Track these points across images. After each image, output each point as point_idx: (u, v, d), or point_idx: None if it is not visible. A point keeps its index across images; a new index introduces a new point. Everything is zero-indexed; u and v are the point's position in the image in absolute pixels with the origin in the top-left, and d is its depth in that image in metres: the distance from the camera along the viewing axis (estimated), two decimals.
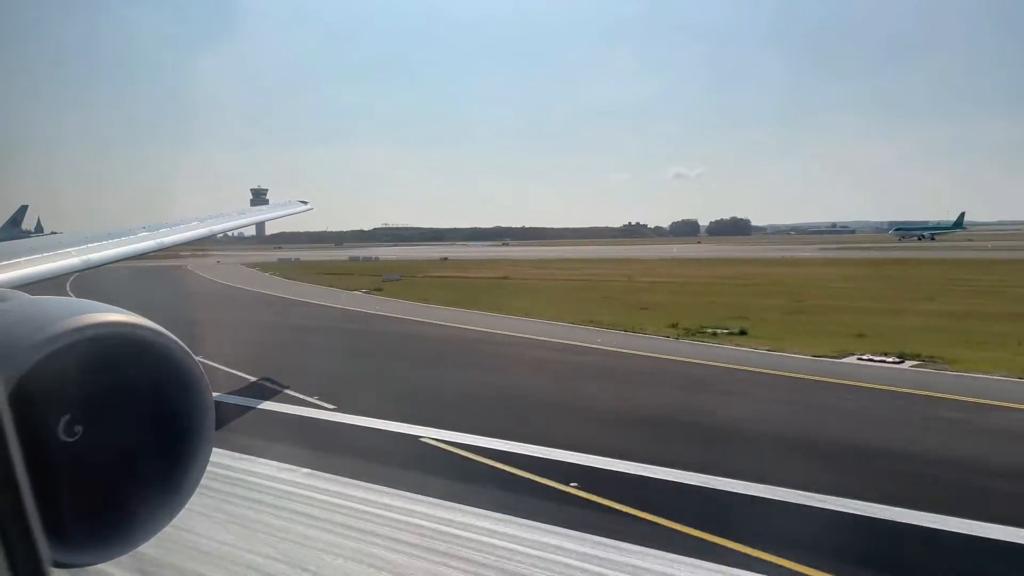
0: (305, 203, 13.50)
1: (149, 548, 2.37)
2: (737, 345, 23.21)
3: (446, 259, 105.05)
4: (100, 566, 2.27)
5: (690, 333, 25.57)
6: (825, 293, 41.34)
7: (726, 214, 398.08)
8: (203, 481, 2.54)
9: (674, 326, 26.74)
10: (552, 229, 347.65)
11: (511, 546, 8.20)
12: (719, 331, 25.63)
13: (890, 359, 20.47)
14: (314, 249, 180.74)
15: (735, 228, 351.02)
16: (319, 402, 15.61)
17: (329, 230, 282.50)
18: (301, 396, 16.19)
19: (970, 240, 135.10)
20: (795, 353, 21.50)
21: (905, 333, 24.24)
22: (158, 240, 7.24)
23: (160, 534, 2.41)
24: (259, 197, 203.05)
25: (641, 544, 8.28)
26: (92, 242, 6.02)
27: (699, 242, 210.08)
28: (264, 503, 9.66)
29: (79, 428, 2.19)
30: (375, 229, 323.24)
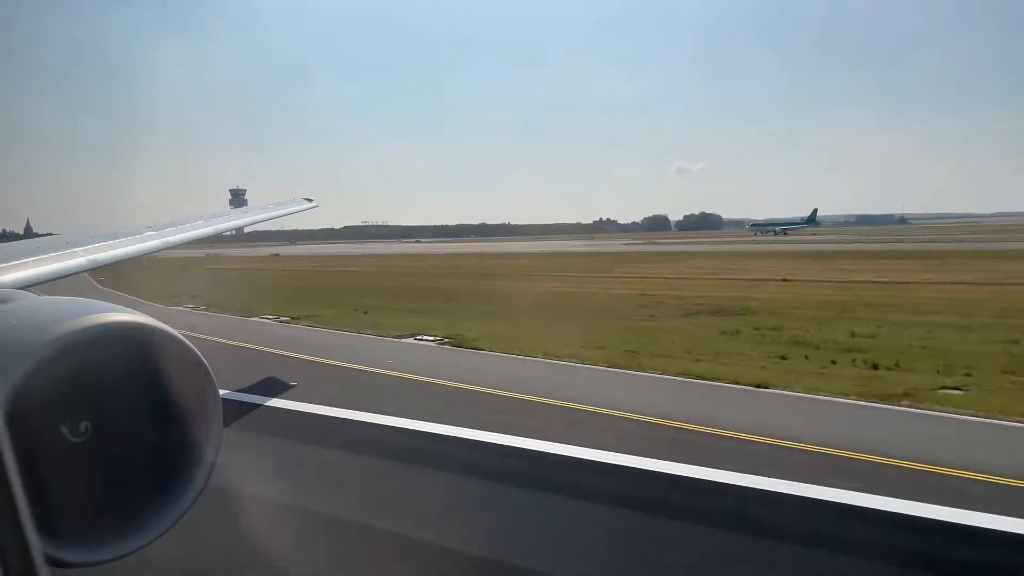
0: (310, 200, 13.54)
1: (156, 548, 2.18)
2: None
3: (277, 255, 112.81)
4: (107, 566, 2.25)
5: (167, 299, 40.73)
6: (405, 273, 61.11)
7: (727, 208, 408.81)
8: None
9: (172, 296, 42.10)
10: (522, 226, 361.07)
11: None
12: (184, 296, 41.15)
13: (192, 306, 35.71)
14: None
15: (704, 223, 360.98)
16: None
17: (300, 228, 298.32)
18: None
19: (815, 234, 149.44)
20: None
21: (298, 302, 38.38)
22: (164, 239, 7.27)
23: (168, 534, 2.44)
24: (238, 197, 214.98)
25: None
26: (98, 242, 6.01)
27: (592, 237, 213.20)
28: None
29: (85, 428, 2.22)
30: (345, 227, 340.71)
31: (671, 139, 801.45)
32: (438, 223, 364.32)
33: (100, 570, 2.25)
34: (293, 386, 16.14)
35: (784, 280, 45.15)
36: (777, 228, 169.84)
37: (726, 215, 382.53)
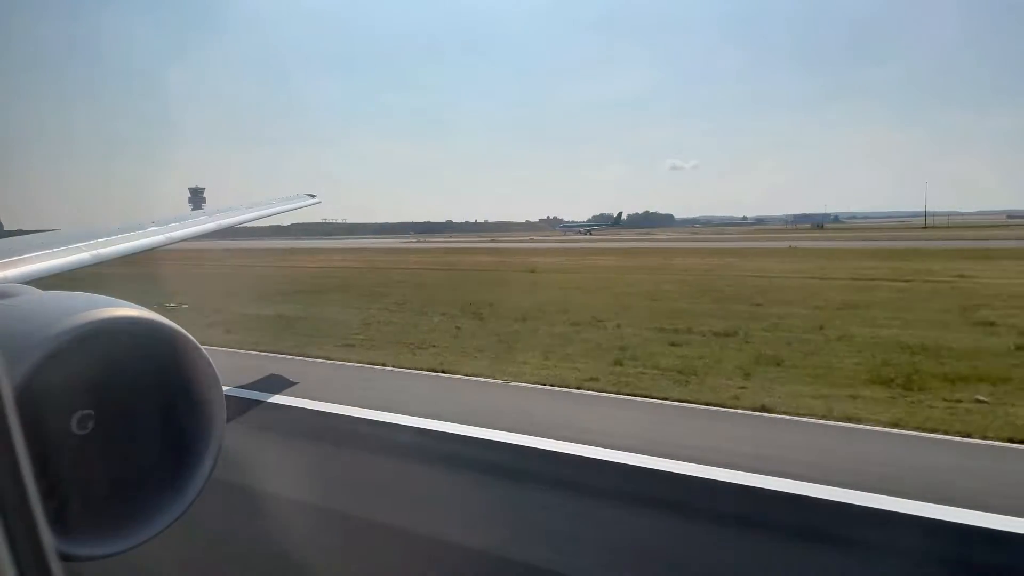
0: (312, 196, 13.47)
1: (160, 542, 2.34)
2: None
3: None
4: (110, 560, 2.28)
5: None
6: None
7: (718, 205, 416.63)
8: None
9: None
10: (473, 223, 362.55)
11: None
12: None
13: None
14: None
15: (646, 221, 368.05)
16: None
17: (247, 226, 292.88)
18: None
19: (618, 234, 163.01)
20: None
21: None
22: (167, 235, 7.33)
23: (171, 529, 2.47)
24: (197, 195, 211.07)
25: None
26: (102, 237, 6.07)
27: (449, 236, 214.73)
28: None
29: (90, 423, 2.26)
30: (292, 224, 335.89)
31: (665, 137, 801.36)
32: (397, 220, 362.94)
33: (106, 564, 2.28)
34: (296, 383, 16.12)
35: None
36: (582, 229, 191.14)
37: (719, 212, 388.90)
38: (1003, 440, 9.61)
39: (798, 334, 17.54)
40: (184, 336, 2.49)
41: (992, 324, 18.33)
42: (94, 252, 5.54)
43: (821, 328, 18.20)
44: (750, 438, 9.77)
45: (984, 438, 9.80)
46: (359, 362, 14.92)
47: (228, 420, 2.63)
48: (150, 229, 7.24)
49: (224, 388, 2.63)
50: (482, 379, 12.91)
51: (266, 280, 41.22)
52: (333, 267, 53.08)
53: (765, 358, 14.57)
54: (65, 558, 2.03)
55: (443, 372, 13.67)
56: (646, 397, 11.87)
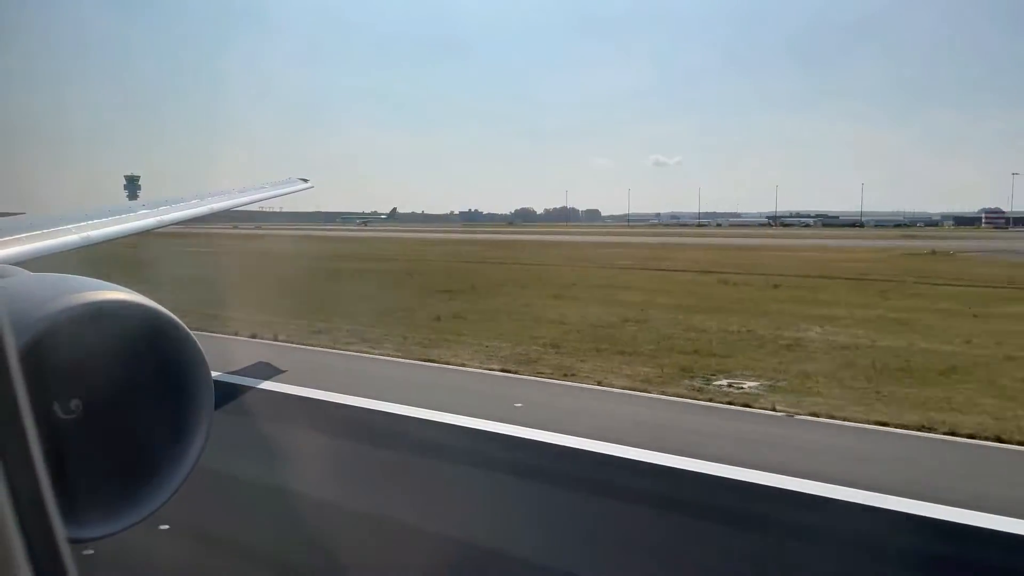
0: (305, 180, 13.58)
1: (149, 524, 2.45)
2: None
3: None
4: (102, 541, 2.34)
5: None
6: None
7: (701, 202, 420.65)
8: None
9: None
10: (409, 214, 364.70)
11: None
12: None
13: None
14: None
15: (563, 215, 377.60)
16: None
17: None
18: None
19: (397, 228, 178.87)
20: None
21: None
22: (158, 218, 7.25)
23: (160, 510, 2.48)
24: (132, 183, 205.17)
25: None
26: (92, 219, 6.02)
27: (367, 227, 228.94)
28: None
29: (78, 405, 2.27)
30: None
31: (651, 133, 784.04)
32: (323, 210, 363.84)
33: (99, 545, 2.38)
34: (285, 371, 15.92)
35: None
36: (357, 220, 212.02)
37: (693, 209, 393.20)
38: None
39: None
40: (173, 320, 2.55)
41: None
42: (84, 234, 5.52)
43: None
44: None
45: None
46: None
47: (216, 407, 2.69)
48: (140, 212, 7.23)
49: (213, 374, 2.69)
50: None
51: None
52: None
53: None
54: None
55: None
56: None
